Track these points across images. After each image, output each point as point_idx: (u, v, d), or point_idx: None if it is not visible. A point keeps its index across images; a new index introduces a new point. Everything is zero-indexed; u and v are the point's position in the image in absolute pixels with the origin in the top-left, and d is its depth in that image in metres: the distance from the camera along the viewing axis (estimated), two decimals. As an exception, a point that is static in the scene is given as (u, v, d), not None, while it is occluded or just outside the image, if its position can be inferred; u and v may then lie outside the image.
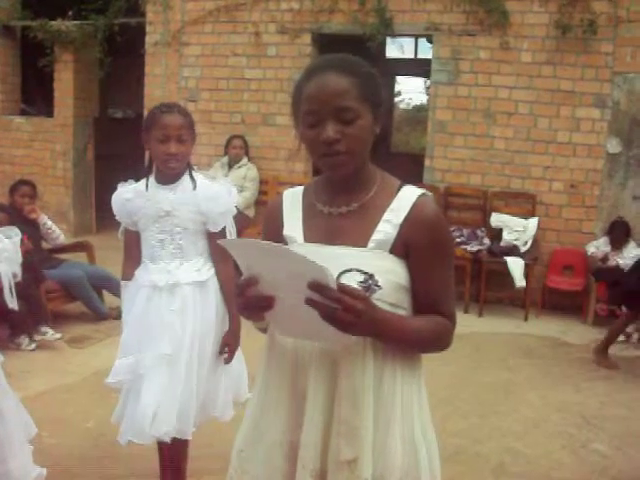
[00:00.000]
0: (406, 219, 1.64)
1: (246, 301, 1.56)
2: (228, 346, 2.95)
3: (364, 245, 1.65)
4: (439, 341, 1.72)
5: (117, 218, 3.05)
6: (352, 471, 1.62)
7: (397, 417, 1.66)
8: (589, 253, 6.60)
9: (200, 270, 2.91)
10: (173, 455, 3.13)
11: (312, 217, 1.75)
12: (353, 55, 1.71)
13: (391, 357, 1.66)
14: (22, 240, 4.84)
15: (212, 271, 2.95)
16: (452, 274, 1.73)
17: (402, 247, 1.65)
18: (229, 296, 2.93)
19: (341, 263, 1.62)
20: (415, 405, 1.72)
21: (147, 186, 2.93)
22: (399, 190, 1.70)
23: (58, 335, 5.32)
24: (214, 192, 2.94)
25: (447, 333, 1.72)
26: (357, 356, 1.62)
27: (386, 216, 1.66)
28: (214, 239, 2.87)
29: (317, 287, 1.44)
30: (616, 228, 6.50)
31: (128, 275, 3.02)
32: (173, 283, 2.86)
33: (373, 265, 1.62)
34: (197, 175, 2.97)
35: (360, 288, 1.57)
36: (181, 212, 2.88)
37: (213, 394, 2.96)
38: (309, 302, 1.45)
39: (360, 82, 1.62)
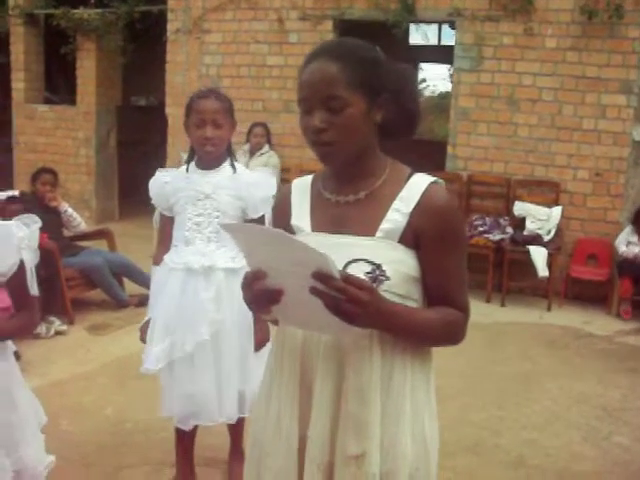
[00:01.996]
0: (416, 207, 1.60)
1: (253, 294, 1.53)
2: (259, 342, 2.94)
3: (372, 234, 1.61)
4: (450, 334, 1.67)
5: (153, 202, 3.08)
6: (359, 466, 1.59)
7: (407, 412, 1.63)
8: (620, 252, 6.44)
9: (235, 258, 2.87)
10: (192, 443, 3.17)
11: (320, 206, 1.71)
12: (373, 41, 1.66)
13: (400, 351, 1.62)
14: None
15: None
16: (464, 264, 1.68)
17: (412, 237, 1.60)
18: None
19: (348, 253, 1.58)
20: (424, 399, 1.68)
21: (187, 169, 2.97)
22: (409, 178, 1.66)
23: (64, 327, 5.34)
24: (255, 178, 2.97)
25: (459, 326, 1.67)
26: (364, 350, 1.59)
27: (395, 205, 1.62)
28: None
29: (321, 276, 1.40)
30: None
31: (160, 260, 3.02)
32: (209, 266, 2.85)
33: (381, 255, 1.58)
34: (237, 164, 3.00)
35: (367, 279, 1.54)
36: (220, 196, 2.89)
37: (250, 387, 2.94)
38: (313, 291, 1.41)
39: (352, 68, 1.57)
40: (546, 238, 6.63)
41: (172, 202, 2.97)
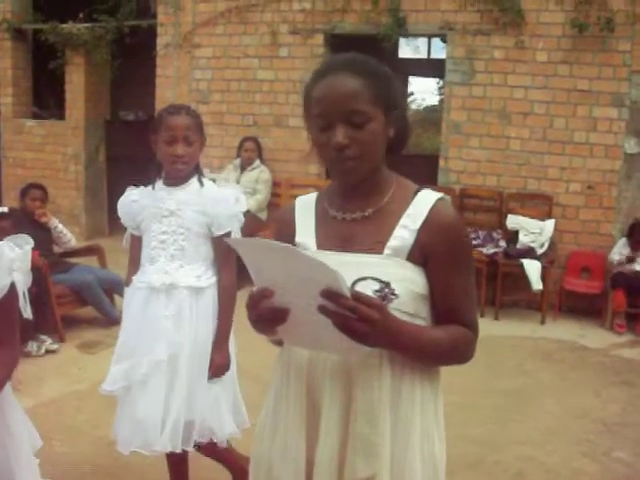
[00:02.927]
0: (424, 224, 1.57)
1: (259, 314, 1.49)
2: (212, 361, 2.82)
3: (380, 252, 1.57)
4: (460, 353, 1.64)
5: (122, 222, 3.00)
6: None
7: (417, 432, 1.59)
8: (614, 262, 6.44)
9: (200, 277, 2.81)
10: (181, 461, 3.08)
11: (325, 223, 1.67)
12: (366, 55, 1.64)
13: (409, 370, 1.59)
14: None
15: (213, 280, 2.85)
16: (473, 281, 1.66)
17: (420, 254, 1.57)
18: (223, 306, 2.83)
19: (356, 271, 1.55)
20: (433, 419, 1.65)
21: (154, 187, 2.89)
22: (416, 194, 1.63)
23: (55, 346, 5.26)
24: (221, 195, 2.87)
25: (468, 344, 1.64)
26: (373, 369, 1.55)
27: (402, 221, 1.59)
28: (218, 244, 2.82)
29: (331, 295, 1.36)
30: (635, 230, 6.37)
31: (130, 281, 2.94)
32: (170, 283, 2.76)
33: (389, 273, 1.54)
34: (206, 180, 2.91)
35: (375, 297, 1.50)
36: (185, 212, 2.81)
37: (211, 410, 2.83)
38: (322, 310, 1.38)
39: (372, 83, 1.55)
40: (539, 251, 6.62)
41: (139, 220, 2.90)
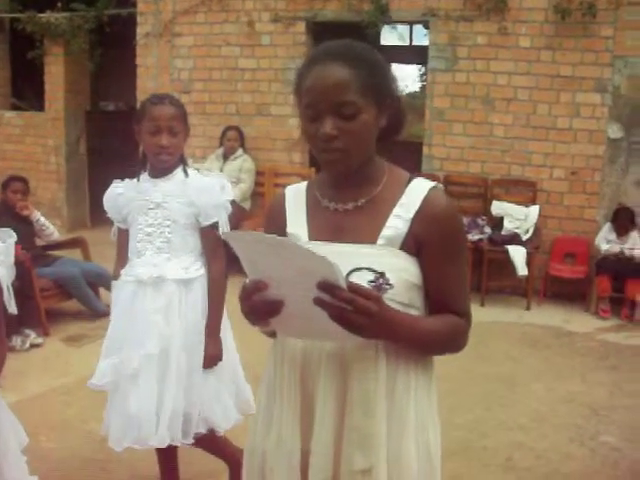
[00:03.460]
0: (417, 214, 1.55)
1: (252, 305, 1.46)
2: (205, 352, 2.79)
3: (373, 242, 1.55)
4: (454, 342, 1.64)
5: (109, 215, 2.96)
6: None
7: (411, 422, 1.58)
8: (602, 250, 6.45)
9: (188, 268, 2.78)
10: (172, 456, 3.07)
11: (317, 214, 1.65)
12: (360, 42, 1.61)
13: (404, 359, 1.58)
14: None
15: (201, 271, 2.82)
16: (466, 270, 1.65)
17: (413, 243, 1.56)
18: (213, 297, 2.81)
19: (350, 261, 1.52)
20: (427, 408, 1.64)
21: (138, 178, 2.85)
22: (408, 183, 1.61)
23: (40, 340, 5.21)
24: (206, 184, 2.84)
25: (462, 333, 1.64)
26: (369, 360, 1.54)
27: (396, 211, 1.57)
28: (206, 234, 2.80)
29: (327, 287, 1.34)
30: (620, 215, 6.40)
31: (119, 275, 2.91)
32: (158, 276, 2.73)
33: (383, 263, 1.53)
34: (190, 169, 2.87)
35: (370, 287, 1.48)
36: (171, 204, 2.77)
37: (210, 401, 2.82)
38: (318, 302, 1.36)
39: (364, 73, 1.51)
40: (524, 237, 6.64)
41: (125, 213, 2.86)
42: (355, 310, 1.35)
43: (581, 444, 3.91)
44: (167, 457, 3.06)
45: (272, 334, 1.68)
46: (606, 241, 6.45)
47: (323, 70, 1.52)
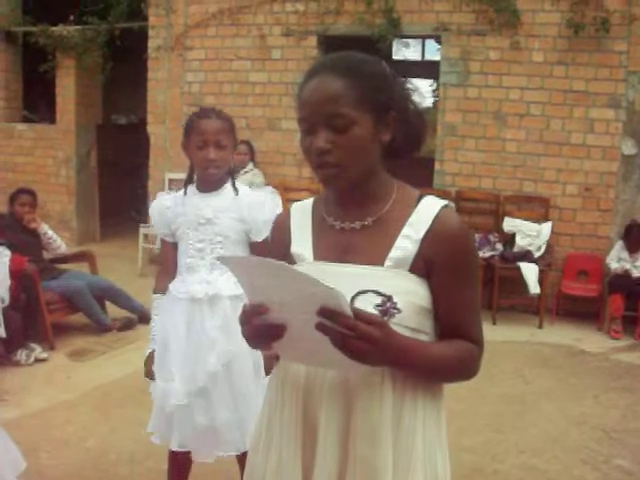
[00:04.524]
0: (427, 234, 1.47)
1: (253, 329, 1.40)
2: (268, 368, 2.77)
3: (381, 263, 1.48)
4: (465, 370, 1.55)
5: (155, 228, 2.97)
6: None
7: (419, 453, 1.49)
8: (612, 269, 6.37)
9: None
10: (187, 469, 3.03)
11: (323, 233, 1.58)
12: (362, 53, 1.54)
13: (411, 387, 1.49)
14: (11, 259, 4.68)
15: None
16: (478, 294, 1.57)
17: (423, 265, 1.48)
18: None
19: (356, 284, 1.45)
20: (436, 437, 1.55)
21: (185, 192, 2.84)
22: (418, 202, 1.53)
23: (45, 354, 5.14)
24: (257, 199, 2.82)
25: (474, 360, 1.56)
26: (374, 388, 1.46)
27: (405, 231, 1.49)
28: (256, 249, 2.78)
29: (329, 313, 1.27)
30: (632, 231, 6.31)
31: (161, 288, 2.89)
32: (213, 294, 2.72)
33: (391, 286, 1.45)
34: (240, 184, 2.87)
35: (377, 312, 1.41)
36: (222, 220, 2.76)
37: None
38: (319, 327, 1.29)
39: (359, 84, 1.45)
40: (536, 254, 6.55)
41: (173, 228, 2.84)
42: (358, 336, 1.29)
43: (594, 468, 3.80)
44: (182, 471, 3.01)
45: (275, 357, 1.62)
46: (617, 259, 6.36)
47: (317, 82, 1.47)
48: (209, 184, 2.81)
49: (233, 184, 2.84)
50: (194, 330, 2.75)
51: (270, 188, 2.97)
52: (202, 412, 2.74)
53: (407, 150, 1.59)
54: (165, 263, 2.94)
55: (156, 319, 2.88)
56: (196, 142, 2.71)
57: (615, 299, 6.26)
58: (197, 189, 2.84)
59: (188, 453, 2.88)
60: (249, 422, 2.70)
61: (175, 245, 2.87)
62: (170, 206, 2.86)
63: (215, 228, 2.76)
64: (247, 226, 2.78)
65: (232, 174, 2.88)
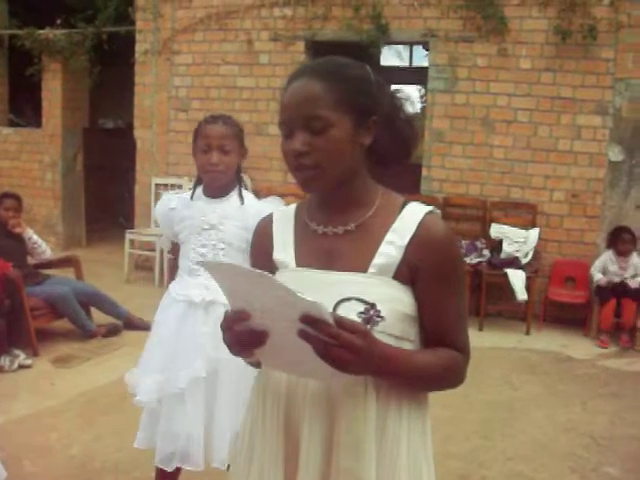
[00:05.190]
0: (412, 240, 1.45)
1: (235, 336, 1.37)
2: None
3: (364, 270, 1.46)
4: (450, 378, 1.53)
5: (160, 227, 3.04)
6: None
7: (403, 464, 1.47)
8: (595, 279, 6.36)
9: None
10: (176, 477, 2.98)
11: (305, 238, 1.56)
12: (345, 58, 1.53)
13: (396, 396, 1.47)
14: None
15: None
16: (464, 301, 1.55)
17: (408, 272, 1.46)
18: None
19: (338, 291, 1.43)
20: (421, 447, 1.53)
21: (192, 196, 2.86)
22: (403, 208, 1.51)
23: (29, 361, 5.07)
24: (264, 209, 2.80)
25: (460, 369, 1.54)
26: (358, 397, 1.43)
27: (389, 237, 1.47)
28: None
29: (311, 320, 1.25)
30: (619, 235, 6.28)
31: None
32: (210, 300, 2.72)
33: (375, 293, 1.43)
34: (246, 193, 2.88)
35: (360, 320, 1.39)
36: (227, 227, 2.78)
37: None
38: (302, 335, 1.26)
39: (338, 87, 1.43)
40: (524, 261, 6.55)
41: (177, 230, 2.87)
42: (340, 345, 1.26)
43: (582, 476, 3.78)
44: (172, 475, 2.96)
45: (257, 364, 1.59)
46: (602, 269, 6.36)
47: (296, 86, 1.46)
48: (215, 189, 2.84)
49: (240, 192, 2.86)
50: (185, 333, 2.75)
51: (276, 198, 2.97)
52: (173, 417, 2.73)
53: (395, 157, 1.58)
54: (174, 263, 2.98)
55: (156, 317, 2.92)
56: (201, 146, 2.75)
57: (605, 311, 6.21)
58: (204, 194, 2.87)
59: (175, 472, 2.84)
60: (218, 438, 2.70)
61: (178, 246, 2.91)
62: (175, 208, 2.88)
63: (219, 234, 2.79)
64: (250, 235, 2.77)
65: (239, 181, 2.90)
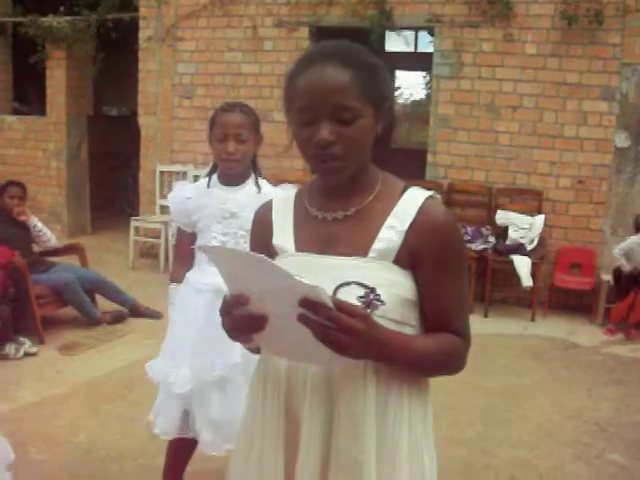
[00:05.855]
0: (412, 225, 1.44)
1: (234, 320, 1.37)
2: None
3: (364, 255, 1.45)
4: (450, 364, 1.52)
5: (172, 217, 3.03)
6: None
7: (404, 448, 1.47)
8: (618, 265, 6.08)
9: None
10: (189, 449, 3.01)
11: (305, 223, 1.55)
12: (356, 44, 1.51)
13: (397, 381, 1.46)
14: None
15: None
16: (465, 285, 1.53)
17: (408, 256, 1.45)
18: None
19: (338, 275, 1.42)
20: (422, 432, 1.52)
21: (209, 184, 2.87)
22: (403, 192, 1.50)
23: (35, 349, 5.08)
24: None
25: (460, 354, 1.52)
26: (357, 381, 1.43)
27: (389, 222, 1.46)
28: None
29: (310, 304, 1.24)
30: None
31: (178, 277, 2.92)
32: None
33: (375, 277, 1.42)
34: (262, 181, 2.89)
35: (360, 304, 1.38)
36: (247, 214, 2.73)
37: None
38: (301, 319, 1.26)
39: (363, 76, 1.41)
40: (529, 247, 6.52)
41: (194, 219, 2.88)
42: (340, 329, 1.25)
43: (587, 462, 3.78)
44: (184, 449, 2.99)
45: (257, 350, 1.59)
46: (625, 256, 6.04)
47: (321, 71, 1.41)
48: (231, 177, 2.85)
49: (256, 180, 2.87)
50: (216, 321, 2.73)
51: (291, 185, 2.99)
52: (217, 403, 2.76)
53: (383, 140, 1.57)
54: (181, 253, 2.99)
55: (176, 307, 2.91)
56: (217, 135, 2.76)
57: (621, 305, 6.02)
58: (219, 181, 2.88)
59: (190, 444, 2.89)
60: None
61: (193, 235, 2.90)
62: (192, 197, 2.89)
63: (240, 222, 2.80)
64: None
65: (255, 169, 2.91)
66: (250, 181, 2.87)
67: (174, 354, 2.83)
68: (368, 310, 1.38)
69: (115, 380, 4.63)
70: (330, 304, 1.25)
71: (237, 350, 2.68)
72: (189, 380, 2.76)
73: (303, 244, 1.52)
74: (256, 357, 2.72)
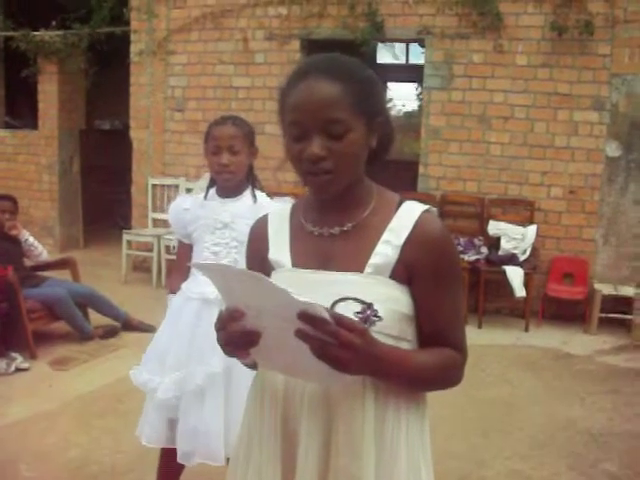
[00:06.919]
0: (408, 239, 1.44)
1: (229, 336, 1.36)
2: None
3: (360, 270, 1.44)
4: (448, 378, 1.52)
5: (172, 228, 3.09)
6: None
7: (402, 464, 1.46)
8: None
9: None
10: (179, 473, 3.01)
11: (301, 239, 1.54)
12: (347, 56, 1.51)
13: (394, 396, 1.46)
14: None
15: None
16: (461, 300, 1.53)
17: (404, 271, 1.44)
18: None
19: (335, 291, 1.42)
20: (419, 447, 1.52)
21: (206, 196, 2.92)
22: (399, 207, 1.50)
23: (26, 364, 5.04)
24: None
25: (457, 368, 1.52)
26: (356, 397, 1.42)
27: (385, 236, 1.46)
28: None
29: (309, 318, 1.23)
30: None
31: (176, 289, 2.94)
32: None
33: (372, 293, 1.42)
34: (258, 193, 2.91)
35: (357, 319, 1.37)
36: (239, 225, 2.80)
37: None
38: (299, 334, 1.25)
39: (353, 89, 1.40)
40: (522, 257, 6.53)
41: (190, 230, 2.92)
42: (338, 344, 1.25)
43: (581, 473, 3.78)
44: (176, 469, 2.97)
45: (254, 365, 1.58)
46: None
47: (311, 85, 1.40)
48: (228, 190, 2.88)
49: (253, 192, 2.90)
50: (201, 330, 2.76)
51: (288, 198, 3.00)
52: (192, 414, 2.74)
53: (381, 155, 1.56)
54: (179, 264, 3.02)
55: (168, 316, 2.93)
56: (211, 148, 2.80)
57: None
58: (217, 194, 2.92)
59: (180, 469, 2.90)
60: (235, 434, 2.70)
61: (190, 247, 2.94)
62: (189, 208, 2.93)
63: (232, 233, 2.83)
64: None
65: (252, 180, 2.93)
66: (247, 192, 2.89)
67: (159, 361, 2.84)
68: (365, 326, 1.37)
69: (107, 395, 4.60)
70: (329, 319, 1.24)
71: (219, 361, 2.69)
72: (173, 388, 2.76)
73: (299, 259, 1.52)
74: (242, 370, 2.75)
